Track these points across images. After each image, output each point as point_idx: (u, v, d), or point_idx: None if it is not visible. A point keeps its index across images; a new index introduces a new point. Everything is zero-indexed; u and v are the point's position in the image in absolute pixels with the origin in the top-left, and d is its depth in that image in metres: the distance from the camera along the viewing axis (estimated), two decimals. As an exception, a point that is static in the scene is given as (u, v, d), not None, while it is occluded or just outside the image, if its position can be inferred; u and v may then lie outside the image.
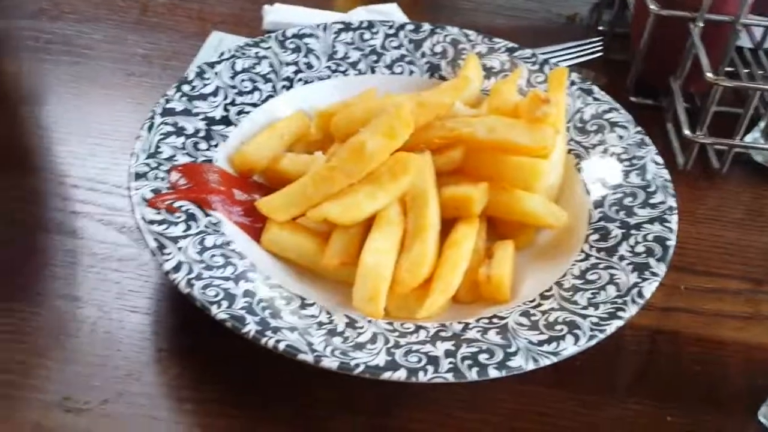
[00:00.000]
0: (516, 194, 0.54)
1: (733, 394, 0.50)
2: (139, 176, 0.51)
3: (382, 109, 0.54)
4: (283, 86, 0.61)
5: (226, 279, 0.47)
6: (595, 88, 0.62)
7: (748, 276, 0.58)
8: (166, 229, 0.48)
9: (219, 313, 0.44)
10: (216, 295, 0.45)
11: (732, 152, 0.64)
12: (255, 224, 0.53)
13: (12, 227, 0.55)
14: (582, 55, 0.73)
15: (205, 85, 0.58)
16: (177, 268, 0.46)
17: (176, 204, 0.50)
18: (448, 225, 0.53)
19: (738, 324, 0.54)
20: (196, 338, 0.49)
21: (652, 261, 0.50)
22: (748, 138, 0.67)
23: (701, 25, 0.65)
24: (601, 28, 0.79)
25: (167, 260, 0.46)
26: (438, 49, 0.65)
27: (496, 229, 0.56)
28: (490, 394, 0.48)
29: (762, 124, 0.67)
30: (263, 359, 0.45)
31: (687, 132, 0.64)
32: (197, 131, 0.56)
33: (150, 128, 0.54)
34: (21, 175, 0.59)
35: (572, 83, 0.62)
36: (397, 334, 0.46)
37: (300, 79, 0.62)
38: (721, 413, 0.49)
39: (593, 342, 0.45)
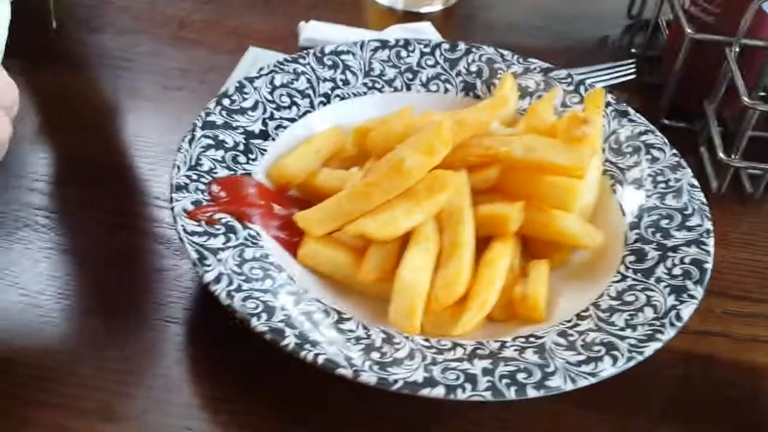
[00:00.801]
0: (551, 214, 0.54)
1: (766, 419, 0.50)
2: (180, 188, 0.51)
3: (421, 126, 0.55)
4: (321, 102, 0.62)
5: (265, 291, 0.47)
6: (631, 110, 0.62)
7: (783, 301, 0.57)
8: (207, 240, 0.49)
9: (259, 325, 0.44)
10: (256, 307, 0.45)
11: (767, 177, 0.64)
12: (292, 238, 0.53)
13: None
14: (615, 77, 0.74)
15: (245, 99, 0.59)
16: (217, 279, 0.46)
17: (216, 216, 0.51)
18: (483, 243, 0.53)
19: (774, 349, 0.54)
20: (232, 350, 0.50)
21: (689, 283, 0.50)
22: (783, 162, 0.67)
23: (737, 49, 0.65)
24: (633, 50, 0.79)
25: (207, 271, 0.47)
26: (473, 68, 0.65)
27: (530, 249, 0.56)
28: (527, 413, 0.48)
29: (796, 149, 0.67)
30: (298, 372, 0.46)
31: (722, 155, 0.64)
32: (236, 145, 0.56)
33: (191, 141, 0.55)
34: (62, 186, 0.60)
35: (608, 104, 0.62)
36: (434, 350, 0.46)
37: (337, 95, 0.62)
38: (756, 439, 0.49)
39: (631, 363, 0.45)
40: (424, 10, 0.83)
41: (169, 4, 0.79)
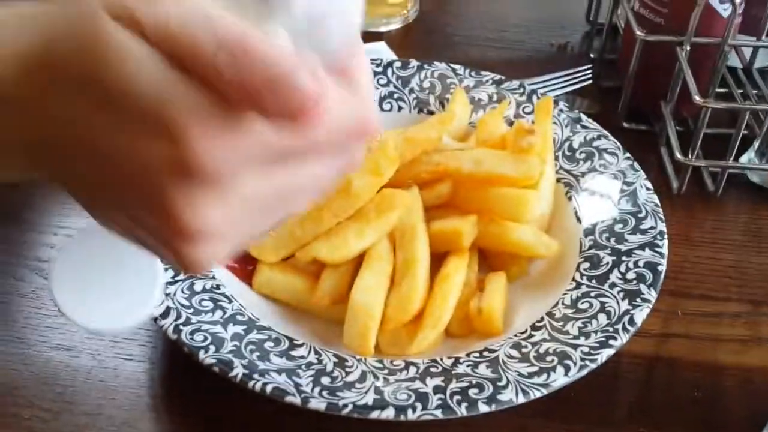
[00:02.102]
0: (505, 225, 0.54)
1: (733, 420, 0.49)
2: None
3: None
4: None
5: (215, 323, 0.47)
6: (583, 116, 0.62)
7: (746, 298, 0.57)
8: (155, 275, 0.49)
9: (206, 357, 0.44)
10: (204, 340, 0.45)
11: (726, 173, 0.64)
12: (246, 267, 0.53)
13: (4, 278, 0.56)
14: (572, 84, 0.74)
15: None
16: (165, 314, 0.46)
17: (166, 250, 0.50)
18: (439, 259, 0.53)
19: (736, 347, 0.53)
20: (192, 383, 0.49)
21: (643, 287, 0.49)
22: (743, 158, 0.67)
23: (688, 48, 0.65)
24: (592, 55, 0.79)
25: (155, 306, 0.47)
26: (426, 84, 0.65)
27: (489, 261, 0.56)
28: (486, 428, 0.48)
29: (756, 144, 0.67)
30: (265, 404, 0.45)
31: (678, 156, 0.64)
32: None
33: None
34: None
35: (560, 112, 0.62)
36: (386, 371, 0.46)
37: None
38: (721, 439, 0.48)
39: (584, 372, 0.45)
40: (383, 29, 0.83)
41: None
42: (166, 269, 0.34)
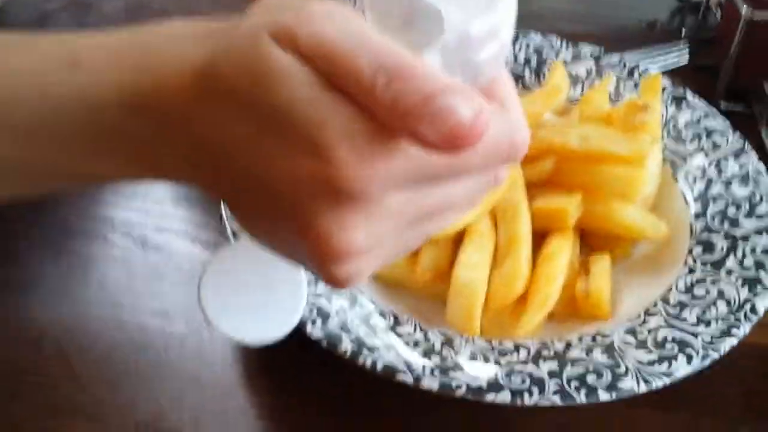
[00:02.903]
0: (612, 205, 0.51)
1: None
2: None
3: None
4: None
5: (318, 296, 0.45)
6: (689, 95, 0.59)
7: None
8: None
9: (314, 331, 0.43)
10: (309, 313, 0.44)
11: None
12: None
13: (95, 242, 0.55)
14: (667, 61, 0.71)
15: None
16: (269, 284, 0.45)
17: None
18: (539, 239, 0.51)
19: None
20: (289, 354, 0.48)
21: (762, 274, 0.47)
22: None
23: (798, 25, 0.62)
24: (683, 33, 0.76)
25: (258, 276, 0.45)
26: (521, 57, 0.63)
27: (589, 243, 0.54)
28: (592, 416, 0.46)
29: None
30: (360, 376, 0.44)
31: (786, 138, 0.61)
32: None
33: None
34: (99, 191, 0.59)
35: (663, 89, 0.59)
36: (496, 353, 0.44)
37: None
38: (843, 437, 0.46)
39: (707, 362, 0.43)
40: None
41: None
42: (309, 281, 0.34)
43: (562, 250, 0.50)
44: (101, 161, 0.30)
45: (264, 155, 0.26)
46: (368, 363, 0.42)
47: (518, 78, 0.62)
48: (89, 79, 0.28)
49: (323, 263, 0.26)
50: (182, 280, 0.52)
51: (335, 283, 0.27)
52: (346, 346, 0.42)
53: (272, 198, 0.26)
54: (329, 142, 0.25)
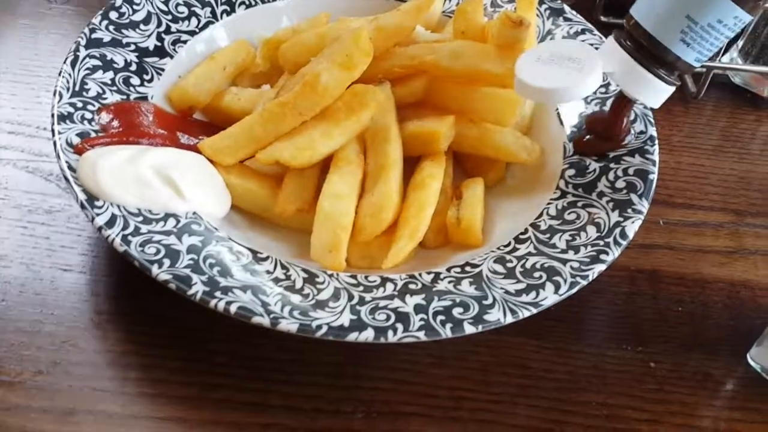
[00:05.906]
0: (486, 128, 0.49)
1: (718, 335, 0.47)
2: (63, 118, 0.45)
3: (337, 36, 0.49)
4: (224, 11, 0.55)
5: (168, 233, 0.42)
6: (566, 8, 0.57)
7: (728, 207, 0.55)
8: (97, 178, 0.43)
9: (160, 273, 0.39)
10: (156, 253, 0.40)
11: (711, 75, 0.60)
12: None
13: None
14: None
15: (135, 11, 0.52)
16: (110, 222, 0.41)
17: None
18: (411, 164, 0.49)
19: (721, 259, 0.51)
20: (139, 298, 0.45)
21: (634, 197, 0.46)
22: (725, 59, 0.63)
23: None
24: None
25: (99, 214, 0.41)
26: (394, -34, 0.59)
27: (463, 166, 0.52)
28: (461, 346, 0.45)
29: (740, 43, 0.63)
30: (215, 317, 0.41)
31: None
32: (128, 64, 0.49)
33: (74, 63, 0.48)
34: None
35: (541, 2, 0.57)
36: (361, 288, 0.42)
37: (242, 3, 0.56)
38: (706, 356, 0.46)
39: (575, 290, 0.42)
40: None
41: None
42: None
43: (434, 177, 0.47)
44: None
45: None
46: (221, 306, 0.39)
47: (392, -11, 0.58)
48: None
49: None
50: (21, 218, 0.47)
51: None
52: (197, 288, 0.39)
53: None
54: None
